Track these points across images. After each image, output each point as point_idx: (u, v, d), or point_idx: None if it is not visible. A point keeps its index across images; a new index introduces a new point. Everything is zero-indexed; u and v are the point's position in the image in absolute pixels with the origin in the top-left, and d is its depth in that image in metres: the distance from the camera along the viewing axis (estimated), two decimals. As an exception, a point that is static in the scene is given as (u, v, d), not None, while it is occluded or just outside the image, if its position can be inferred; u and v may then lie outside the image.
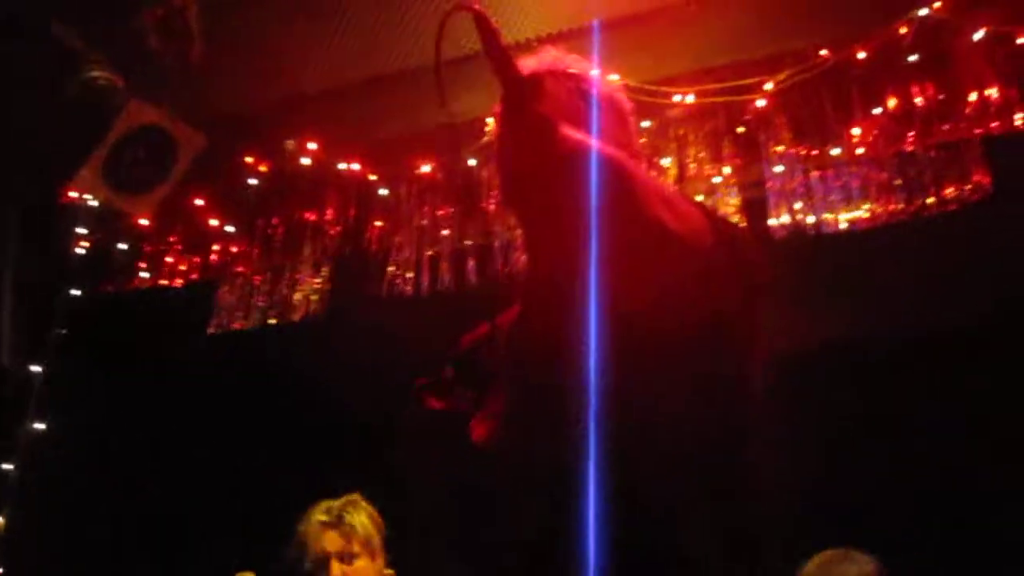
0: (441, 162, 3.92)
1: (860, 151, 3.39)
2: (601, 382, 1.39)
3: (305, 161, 4.04)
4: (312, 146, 4.02)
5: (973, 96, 3.25)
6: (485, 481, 1.62)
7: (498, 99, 1.48)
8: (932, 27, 3.28)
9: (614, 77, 2.63)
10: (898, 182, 3.32)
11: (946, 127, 3.30)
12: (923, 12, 3.27)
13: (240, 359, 4.13)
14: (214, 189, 4.24)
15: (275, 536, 2.78)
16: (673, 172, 3.57)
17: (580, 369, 1.39)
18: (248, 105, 4.09)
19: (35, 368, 4.00)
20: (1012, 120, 3.20)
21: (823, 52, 3.39)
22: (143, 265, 4.31)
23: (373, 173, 4.02)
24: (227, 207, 4.26)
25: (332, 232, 4.08)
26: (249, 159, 4.14)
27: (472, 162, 3.79)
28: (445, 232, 3.89)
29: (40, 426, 3.97)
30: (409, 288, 3.84)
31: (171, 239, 4.33)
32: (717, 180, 3.53)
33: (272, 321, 4.08)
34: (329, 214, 4.09)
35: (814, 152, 3.45)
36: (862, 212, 3.34)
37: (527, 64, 1.66)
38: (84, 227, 4.18)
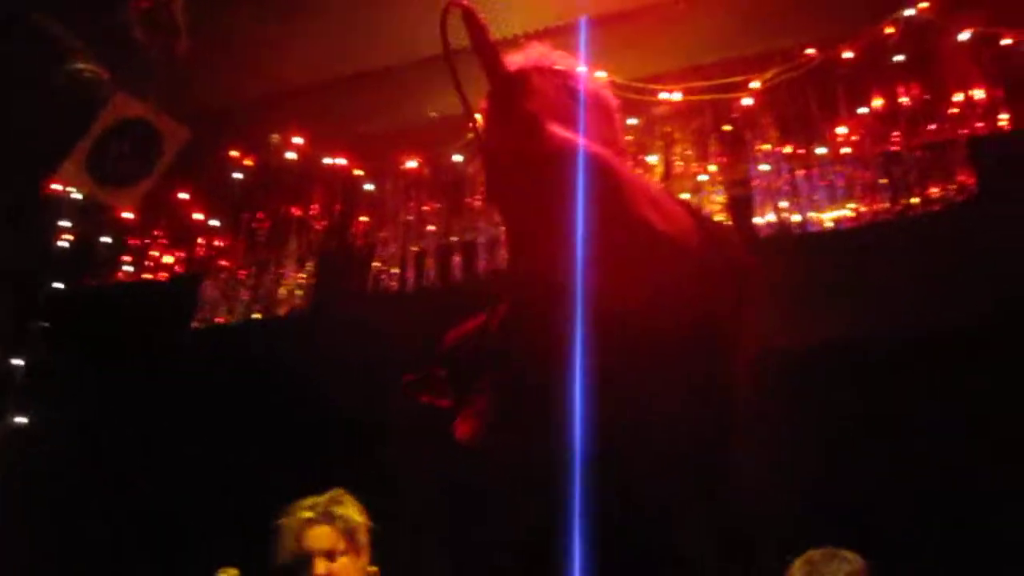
0: (427, 158, 3.91)
1: (846, 150, 3.40)
2: (591, 381, 1.38)
3: (290, 156, 4.02)
4: (297, 140, 4.01)
5: (958, 96, 3.26)
6: (477, 479, 1.62)
7: (485, 95, 1.47)
8: (918, 27, 3.29)
9: (601, 74, 2.63)
10: (883, 181, 3.34)
11: (931, 127, 3.32)
12: (909, 12, 3.28)
13: (224, 354, 4.11)
14: (199, 183, 4.22)
15: (259, 531, 2.76)
16: (659, 170, 3.58)
17: (570, 367, 1.39)
18: (233, 99, 4.08)
19: (16, 361, 3.98)
20: (997, 121, 3.22)
21: (810, 51, 3.40)
22: (127, 258, 4.27)
23: (358, 168, 4.01)
24: (212, 201, 4.23)
25: (317, 227, 4.07)
26: (234, 153, 4.12)
27: (458, 158, 3.79)
28: (431, 228, 3.89)
29: (22, 420, 3.94)
30: (394, 284, 3.84)
31: (155, 233, 4.29)
32: (703, 178, 3.54)
33: (257, 316, 4.06)
34: (314, 209, 4.07)
35: (800, 151, 3.46)
36: (847, 211, 3.36)
37: (514, 60, 1.66)
38: (67, 220, 4.14)
